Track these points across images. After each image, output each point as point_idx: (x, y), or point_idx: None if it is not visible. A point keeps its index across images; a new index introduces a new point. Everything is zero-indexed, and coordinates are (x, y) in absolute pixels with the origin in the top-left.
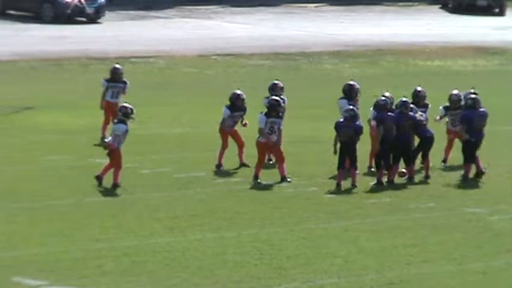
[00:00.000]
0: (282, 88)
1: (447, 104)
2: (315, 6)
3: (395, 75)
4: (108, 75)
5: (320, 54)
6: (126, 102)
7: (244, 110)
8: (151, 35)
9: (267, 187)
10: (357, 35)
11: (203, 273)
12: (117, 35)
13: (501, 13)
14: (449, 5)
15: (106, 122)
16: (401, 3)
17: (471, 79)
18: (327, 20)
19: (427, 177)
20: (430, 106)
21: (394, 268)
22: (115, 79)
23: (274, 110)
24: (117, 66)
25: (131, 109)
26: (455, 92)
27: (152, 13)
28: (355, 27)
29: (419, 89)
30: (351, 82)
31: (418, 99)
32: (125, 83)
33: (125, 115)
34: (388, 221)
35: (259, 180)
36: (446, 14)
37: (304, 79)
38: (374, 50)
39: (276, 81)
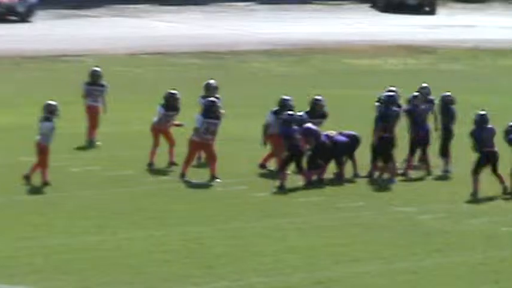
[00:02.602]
0: (216, 88)
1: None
2: (245, 5)
3: (325, 74)
4: (87, 78)
5: (249, 52)
6: (51, 100)
7: (178, 109)
8: (82, 34)
9: (197, 186)
10: (286, 33)
11: (132, 271)
12: (49, 33)
13: (432, 12)
14: (380, 4)
15: (92, 127)
16: (331, 2)
17: (401, 78)
18: (257, 18)
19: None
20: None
21: (322, 267)
22: (95, 82)
23: (211, 111)
24: (96, 68)
25: (56, 106)
26: (424, 85)
27: (83, 12)
28: (285, 26)
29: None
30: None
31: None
32: (103, 85)
33: (50, 112)
34: (317, 220)
35: (186, 178)
36: (377, 12)
37: (233, 78)
38: (303, 49)
39: (211, 81)
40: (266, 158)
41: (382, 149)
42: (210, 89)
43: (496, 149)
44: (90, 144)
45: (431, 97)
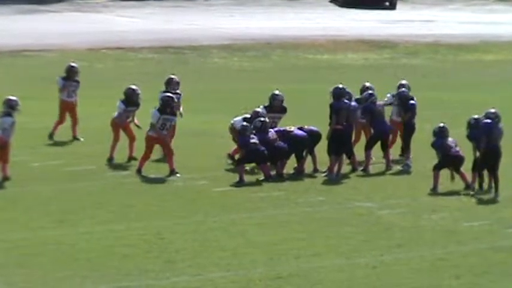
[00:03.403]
0: (178, 83)
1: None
2: (205, 0)
3: (285, 69)
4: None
5: (209, 47)
6: (12, 95)
7: (138, 105)
8: (42, 29)
9: (156, 180)
10: (246, 28)
11: (92, 266)
12: (9, 28)
13: (392, 7)
14: None
15: (60, 122)
16: None
17: (362, 73)
18: (216, 13)
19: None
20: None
21: (282, 262)
22: (71, 77)
23: (168, 107)
24: (73, 64)
25: (16, 101)
26: (403, 81)
27: (43, 7)
28: (244, 20)
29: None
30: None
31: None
32: (78, 81)
33: (10, 107)
34: (276, 215)
35: (142, 174)
36: (336, 8)
37: (193, 73)
38: (263, 44)
39: (172, 76)
40: (236, 150)
41: (336, 141)
42: (171, 84)
43: (461, 153)
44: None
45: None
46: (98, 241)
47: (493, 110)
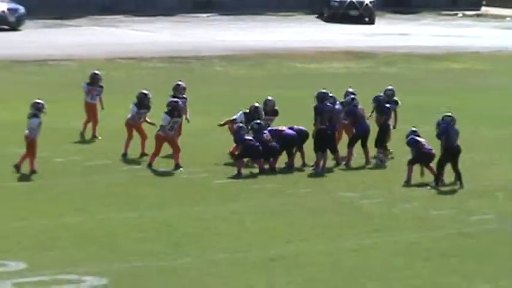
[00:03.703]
0: (184, 88)
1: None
2: (207, 16)
3: (278, 77)
4: (88, 79)
5: (211, 57)
6: (39, 98)
7: (149, 108)
8: (65, 41)
9: (165, 174)
10: (243, 41)
11: (108, 248)
12: (36, 40)
13: (371, 22)
14: (325, 15)
15: (88, 121)
16: (282, 13)
17: (344, 80)
18: (218, 28)
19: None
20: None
21: (275, 246)
22: (94, 83)
23: (175, 110)
24: (97, 72)
25: (43, 104)
26: (390, 87)
27: (66, 22)
28: (242, 34)
29: (389, 87)
30: None
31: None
32: (102, 87)
33: (37, 109)
34: (270, 205)
35: (153, 168)
36: (322, 23)
37: (197, 79)
38: (259, 54)
39: (179, 82)
40: (235, 148)
41: (321, 139)
42: (178, 90)
43: (433, 151)
44: (93, 138)
45: (395, 98)
46: (114, 227)
47: (449, 114)
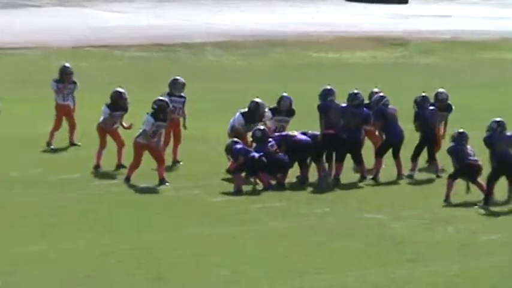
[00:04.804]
0: (183, 85)
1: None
2: None
3: (285, 69)
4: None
5: (203, 45)
6: None
7: (125, 109)
8: (21, 25)
9: (146, 190)
10: (242, 24)
11: (75, 285)
12: None
13: (404, 1)
14: None
15: (55, 128)
16: None
17: (370, 72)
18: (210, 8)
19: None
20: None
21: (285, 280)
22: (65, 79)
23: (162, 112)
24: (67, 64)
25: None
26: (441, 90)
27: (22, 1)
28: (240, 15)
29: (440, 90)
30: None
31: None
32: (75, 83)
33: None
34: (278, 228)
35: (131, 182)
36: (343, 1)
37: (185, 72)
38: (262, 41)
39: (178, 77)
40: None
41: (326, 146)
42: (176, 86)
43: (479, 162)
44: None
45: (449, 102)
46: (83, 257)
47: (498, 119)
